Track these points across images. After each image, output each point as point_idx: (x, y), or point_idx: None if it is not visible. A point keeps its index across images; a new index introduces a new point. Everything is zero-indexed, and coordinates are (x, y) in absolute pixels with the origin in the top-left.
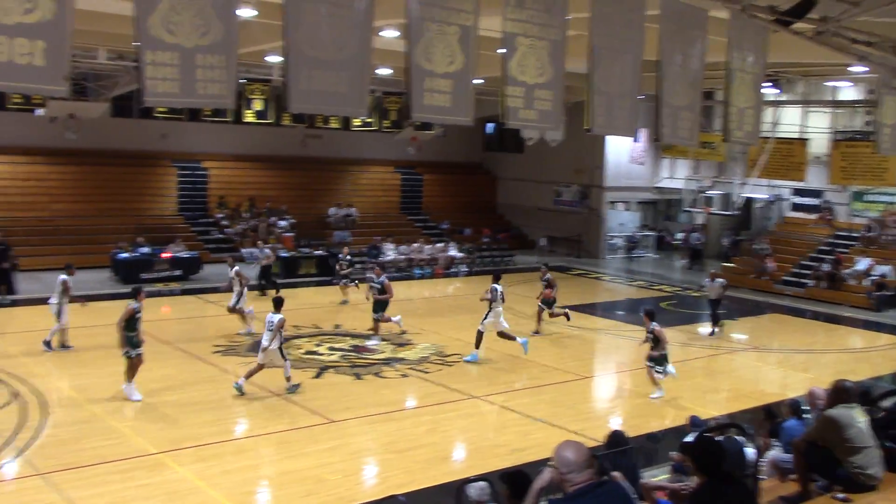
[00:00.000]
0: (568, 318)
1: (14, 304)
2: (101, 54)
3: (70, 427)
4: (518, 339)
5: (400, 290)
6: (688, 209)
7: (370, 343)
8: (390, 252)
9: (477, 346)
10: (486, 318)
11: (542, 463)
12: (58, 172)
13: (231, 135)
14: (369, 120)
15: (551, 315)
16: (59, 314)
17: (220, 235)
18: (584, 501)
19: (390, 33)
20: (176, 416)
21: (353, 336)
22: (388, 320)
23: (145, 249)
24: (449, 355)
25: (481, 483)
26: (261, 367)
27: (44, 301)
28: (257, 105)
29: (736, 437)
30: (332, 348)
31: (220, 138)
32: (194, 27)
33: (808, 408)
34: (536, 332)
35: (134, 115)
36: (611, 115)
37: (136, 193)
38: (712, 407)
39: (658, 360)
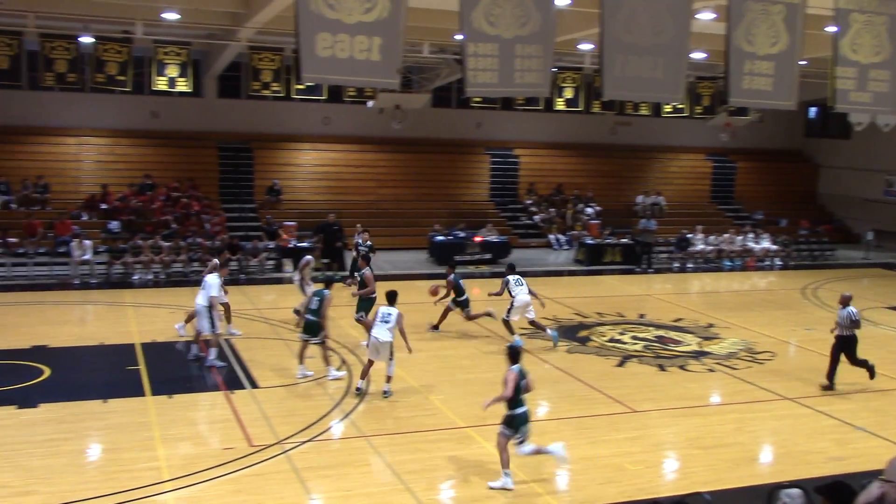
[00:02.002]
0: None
1: (343, 279)
2: (425, 48)
3: (390, 397)
4: (548, 330)
5: (707, 282)
6: None
7: (365, 343)
8: (699, 242)
9: (512, 333)
10: (509, 311)
11: (864, 475)
12: (384, 160)
13: (542, 123)
14: (680, 106)
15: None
16: (303, 288)
17: (529, 221)
18: None
19: (706, 16)
20: (482, 392)
21: (658, 326)
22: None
23: (461, 233)
24: (759, 352)
25: (795, 490)
26: (371, 363)
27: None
28: (568, 93)
29: None
30: (635, 337)
31: (531, 126)
32: (514, 18)
33: None
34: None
35: (452, 105)
36: None
37: (451, 179)
38: None
39: (511, 422)
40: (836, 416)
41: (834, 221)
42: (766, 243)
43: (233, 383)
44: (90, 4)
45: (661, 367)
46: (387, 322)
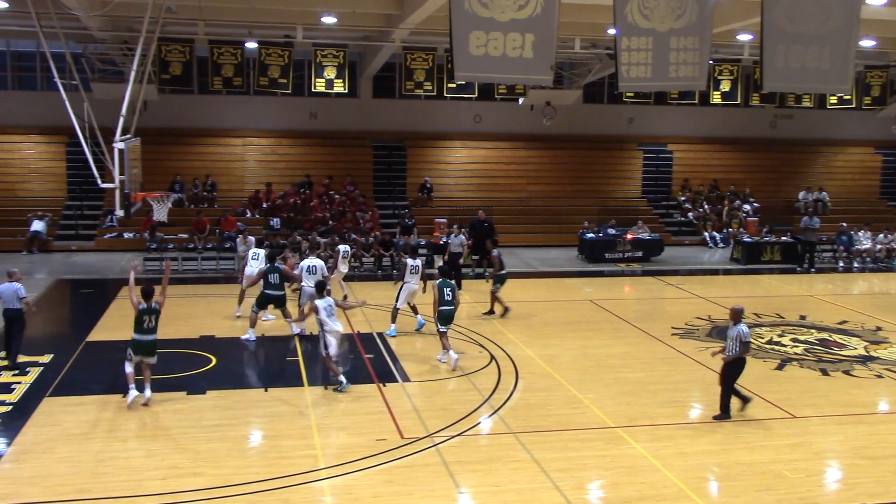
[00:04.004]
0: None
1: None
2: (576, 43)
3: (538, 393)
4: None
5: (875, 283)
6: None
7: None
8: (866, 241)
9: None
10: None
11: None
12: (534, 156)
13: (696, 117)
14: (847, 97)
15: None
16: None
17: (682, 218)
18: None
19: (877, 1)
20: (633, 393)
21: (821, 329)
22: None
23: (611, 230)
24: None
25: None
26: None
27: (519, 275)
28: (724, 86)
29: None
30: (795, 340)
31: (685, 121)
32: (669, 10)
33: None
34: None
35: (603, 100)
36: None
37: (602, 176)
38: None
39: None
40: None
41: None
42: None
43: (385, 376)
44: (254, 11)
45: (824, 372)
46: (332, 315)
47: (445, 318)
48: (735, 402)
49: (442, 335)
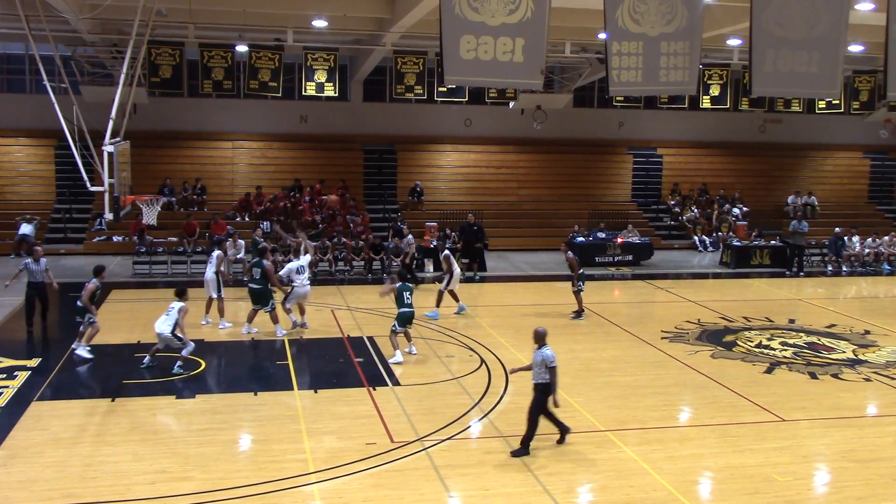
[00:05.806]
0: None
1: (483, 280)
2: (567, 48)
3: (528, 396)
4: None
5: (864, 286)
6: None
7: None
8: (855, 245)
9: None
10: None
11: None
12: (525, 160)
13: (686, 121)
14: (836, 102)
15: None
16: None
17: (672, 222)
18: None
19: (865, 6)
20: (623, 396)
21: (809, 332)
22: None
23: (602, 234)
24: None
25: None
26: (158, 350)
27: (509, 279)
28: (714, 90)
29: None
30: (784, 343)
31: (675, 125)
32: (660, 15)
33: None
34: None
35: (594, 104)
36: None
37: (592, 180)
38: None
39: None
40: None
41: None
42: None
43: (375, 380)
44: (245, 14)
45: (813, 375)
46: (167, 315)
47: (405, 320)
48: (552, 431)
49: (394, 334)
